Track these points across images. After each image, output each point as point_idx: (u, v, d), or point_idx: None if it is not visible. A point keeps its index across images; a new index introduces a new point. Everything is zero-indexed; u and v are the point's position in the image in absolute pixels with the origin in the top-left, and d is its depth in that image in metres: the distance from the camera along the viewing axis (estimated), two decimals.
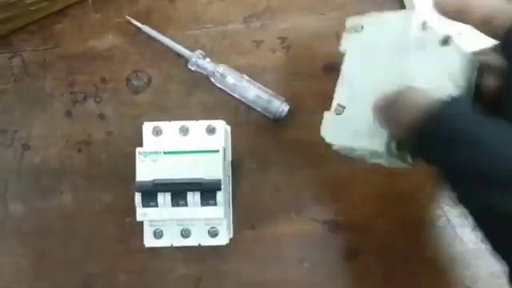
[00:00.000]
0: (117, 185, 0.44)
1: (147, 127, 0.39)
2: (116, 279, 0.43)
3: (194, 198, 0.37)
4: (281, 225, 0.43)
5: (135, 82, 0.45)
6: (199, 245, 0.39)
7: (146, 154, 0.37)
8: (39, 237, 0.44)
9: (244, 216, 0.43)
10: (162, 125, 0.39)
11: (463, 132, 0.23)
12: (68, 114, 0.45)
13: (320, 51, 0.45)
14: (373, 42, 0.30)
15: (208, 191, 0.37)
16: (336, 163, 0.43)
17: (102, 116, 0.45)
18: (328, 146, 0.33)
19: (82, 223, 0.44)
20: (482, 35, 0.43)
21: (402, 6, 0.46)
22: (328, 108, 0.33)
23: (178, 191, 0.37)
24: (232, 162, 0.43)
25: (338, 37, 0.46)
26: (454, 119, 0.24)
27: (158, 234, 0.39)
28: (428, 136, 0.25)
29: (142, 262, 0.43)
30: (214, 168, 0.37)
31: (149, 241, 0.39)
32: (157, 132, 0.39)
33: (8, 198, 0.44)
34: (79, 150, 0.44)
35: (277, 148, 0.44)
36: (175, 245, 0.39)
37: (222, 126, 0.39)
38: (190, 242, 0.39)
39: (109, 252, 0.43)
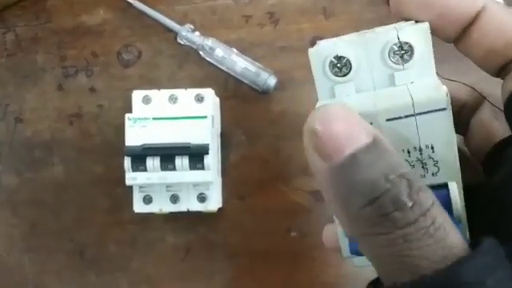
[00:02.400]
0: (107, 156, 0.44)
1: (137, 95, 0.40)
2: (106, 249, 0.44)
3: (182, 161, 0.37)
4: (269, 195, 0.44)
5: (125, 56, 0.46)
6: (188, 210, 0.40)
7: (135, 119, 0.38)
8: (31, 207, 0.44)
9: (233, 187, 0.44)
10: (152, 93, 0.40)
11: None
12: (60, 87, 0.46)
13: (307, 26, 0.46)
14: None
15: (196, 155, 0.37)
16: None
17: (92, 89, 0.45)
18: None
19: (73, 194, 0.44)
20: None
21: None
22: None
23: (167, 155, 0.37)
24: (221, 134, 0.44)
25: (324, 12, 0.47)
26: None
27: (147, 200, 0.40)
28: None
29: (131, 233, 0.44)
30: (203, 133, 0.38)
31: (138, 207, 0.40)
32: (146, 100, 0.40)
33: (0, 169, 0.45)
34: (71, 123, 0.45)
35: (265, 120, 0.45)
36: (164, 210, 0.40)
37: (210, 94, 0.40)
38: (179, 207, 0.40)
39: (99, 222, 0.44)
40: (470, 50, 0.21)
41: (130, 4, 0.46)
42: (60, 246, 0.44)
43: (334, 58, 0.20)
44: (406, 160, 0.19)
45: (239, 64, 0.44)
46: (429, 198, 0.16)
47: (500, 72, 0.21)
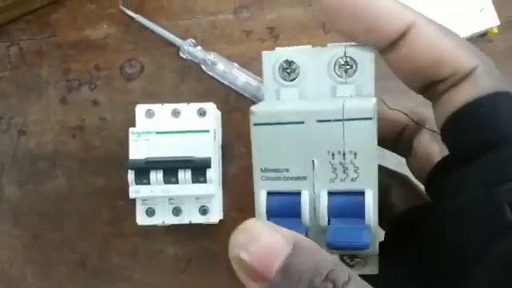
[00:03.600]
0: (110, 169, 0.45)
1: (140, 110, 0.41)
2: (108, 260, 0.44)
3: (185, 175, 0.38)
4: None
5: (128, 70, 0.46)
6: (190, 222, 0.40)
7: (138, 133, 0.39)
8: (34, 219, 0.45)
9: (233, 199, 0.45)
10: (155, 107, 0.41)
11: None
12: (63, 100, 0.46)
13: (307, 41, 0.47)
14: None
15: (198, 169, 0.38)
16: None
17: (95, 102, 0.46)
18: None
19: (75, 206, 0.45)
20: (464, 26, 0.46)
21: None
22: None
23: (170, 169, 0.38)
24: (222, 146, 0.45)
25: (323, 27, 0.48)
26: None
27: (150, 213, 0.40)
28: None
29: (133, 244, 0.45)
30: (205, 147, 0.39)
31: (141, 219, 0.40)
32: (149, 114, 0.41)
33: (3, 181, 0.45)
34: (73, 136, 0.46)
35: None
36: (167, 222, 0.40)
37: (212, 109, 0.41)
38: (181, 219, 0.40)
39: (101, 234, 0.45)
40: (397, 64, 0.21)
41: (132, 19, 0.46)
42: (62, 257, 0.45)
43: (285, 62, 0.22)
44: (330, 162, 0.20)
45: (240, 78, 0.45)
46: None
47: (424, 91, 0.21)
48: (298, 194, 0.20)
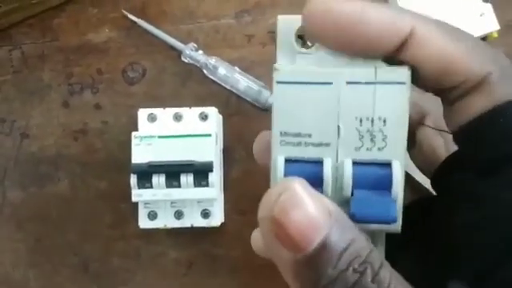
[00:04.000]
0: (112, 172, 0.45)
1: (142, 114, 0.41)
2: (110, 263, 0.45)
3: (187, 179, 0.38)
4: None
5: (130, 74, 0.47)
6: (192, 226, 0.41)
7: (141, 137, 0.39)
8: (36, 222, 0.45)
9: (235, 202, 0.45)
10: (157, 111, 0.41)
11: None
12: (65, 104, 0.46)
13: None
14: None
15: (200, 173, 0.38)
16: None
17: (98, 106, 0.46)
18: None
19: (78, 209, 0.45)
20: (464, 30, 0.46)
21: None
22: None
23: (172, 172, 0.38)
24: (223, 150, 0.45)
25: None
26: None
27: (152, 216, 0.40)
28: None
29: (135, 247, 0.45)
30: (207, 151, 0.39)
31: (143, 222, 0.41)
32: (151, 118, 0.41)
33: (6, 184, 0.46)
34: (76, 139, 0.46)
35: None
36: (168, 226, 0.41)
37: (214, 113, 0.41)
38: (183, 223, 0.41)
39: (103, 237, 0.45)
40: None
41: (134, 23, 0.47)
42: (64, 260, 0.45)
43: (302, 28, 0.20)
44: (356, 129, 0.18)
45: (242, 82, 0.45)
46: (386, 273, 0.16)
47: (434, 93, 0.20)
48: (320, 162, 0.19)
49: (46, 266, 0.45)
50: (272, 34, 0.47)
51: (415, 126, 0.26)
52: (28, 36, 0.47)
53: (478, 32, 0.46)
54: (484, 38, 0.47)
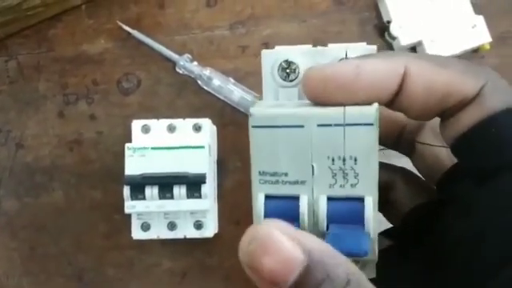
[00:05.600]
0: (106, 182, 0.46)
1: (136, 125, 0.41)
2: (105, 273, 0.45)
3: (180, 190, 0.39)
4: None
5: (125, 84, 0.47)
6: (185, 237, 0.41)
7: (134, 149, 0.39)
8: (31, 232, 0.45)
9: (229, 212, 0.45)
10: (150, 123, 0.41)
11: None
12: (60, 114, 0.47)
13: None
14: None
15: (193, 184, 0.39)
16: None
17: (92, 116, 0.47)
18: None
19: (72, 219, 0.45)
20: (455, 42, 0.46)
21: (379, 13, 0.48)
22: None
23: (165, 184, 0.39)
24: (217, 160, 0.45)
25: (317, 43, 0.48)
26: None
27: (145, 227, 0.41)
28: None
29: (129, 257, 0.45)
30: (200, 163, 0.39)
31: (136, 233, 0.41)
32: (145, 130, 0.41)
33: (1, 194, 0.46)
34: (71, 149, 0.46)
35: None
36: (162, 237, 0.41)
37: (207, 124, 0.41)
38: (176, 234, 0.41)
39: (98, 247, 0.45)
40: (405, 111, 0.21)
41: (129, 34, 0.47)
42: (59, 269, 0.45)
43: (285, 62, 0.22)
44: (329, 168, 0.19)
45: (236, 93, 0.46)
46: None
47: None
48: (297, 198, 0.20)
49: (41, 275, 0.45)
50: (266, 46, 0.48)
51: (413, 132, 0.26)
52: (24, 46, 0.48)
53: (470, 44, 0.46)
54: (476, 50, 0.47)
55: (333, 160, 0.19)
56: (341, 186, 0.19)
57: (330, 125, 0.19)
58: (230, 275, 0.45)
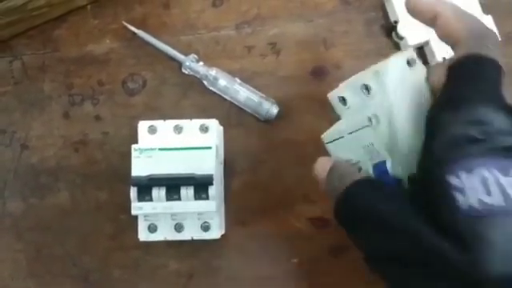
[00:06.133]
0: (112, 183, 0.45)
1: (142, 126, 0.41)
2: (110, 274, 0.45)
3: (187, 192, 0.38)
4: (270, 222, 0.45)
5: (131, 85, 0.47)
6: (192, 238, 0.41)
7: (141, 150, 0.39)
8: (36, 233, 0.45)
9: (235, 213, 0.45)
10: (157, 124, 0.41)
11: (361, 213, 0.27)
12: (66, 115, 0.47)
13: (308, 56, 0.48)
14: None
15: (201, 186, 0.38)
16: None
17: (98, 117, 0.46)
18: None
19: (77, 220, 0.45)
20: None
21: (385, 12, 0.48)
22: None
23: (172, 186, 0.38)
24: (224, 161, 0.45)
25: (324, 43, 0.48)
26: (355, 200, 0.28)
27: (152, 229, 0.40)
28: (339, 215, 0.30)
29: (135, 258, 0.45)
30: (207, 164, 0.39)
31: (143, 235, 0.41)
32: (152, 130, 0.41)
33: (6, 195, 0.45)
34: (76, 150, 0.46)
35: (267, 148, 0.46)
36: (169, 239, 0.40)
37: (214, 125, 0.41)
38: (183, 235, 0.40)
39: (103, 248, 0.45)
40: (436, 32, 0.30)
41: (135, 34, 0.47)
42: (64, 270, 0.45)
43: (339, 97, 0.33)
44: (366, 151, 0.31)
45: (242, 93, 0.45)
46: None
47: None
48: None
49: (46, 276, 0.45)
50: (272, 46, 0.48)
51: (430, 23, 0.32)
52: (28, 47, 0.47)
53: None
54: None
55: (363, 148, 0.31)
56: (370, 158, 0.31)
57: (357, 130, 0.31)
58: (236, 277, 0.44)
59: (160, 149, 0.39)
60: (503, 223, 0.22)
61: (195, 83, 0.47)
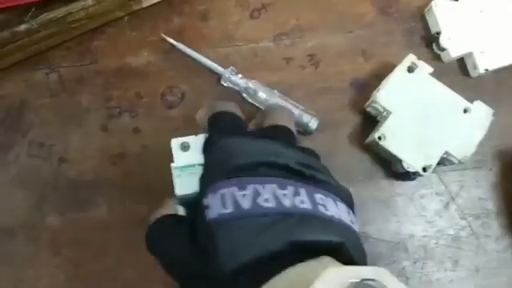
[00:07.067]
0: (151, 197, 0.45)
1: (175, 143, 0.40)
2: None
3: None
4: None
5: (169, 98, 0.46)
6: None
7: (180, 168, 0.38)
8: (74, 248, 0.45)
9: None
10: (189, 139, 0.40)
11: (155, 250, 0.36)
12: (104, 128, 0.46)
13: (347, 68, 0.47)
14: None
15: None
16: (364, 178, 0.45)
17: (136, 130, 0.46)
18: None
19: (116, 234, 0.45)
20: (506, 53, 0.45)
21: (425, 23, 0.48)
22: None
23: None
24: None
25: (364, 54, 0.48)
26: (150, 240, 0.36)
27: None
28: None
29: None
30: None
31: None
32: (184, 147, 0.40)
33: (44, 210, 0.45)
34: (114, 163, 0.46)
35: None
36: None
37: None
38: None
39: (143, 262, 0.44)
40: None
41: (173, 46, 0.46)
42: (103, 286, 0.44)
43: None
44: None
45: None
46: None
47: None
48: None
49: None
50: (311, 57, 0.47)
51: None
52: (65, 59, 0.47)
53: None
54: None
55: None
56: None
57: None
58: None
59: (199, 164, 0.38)
60: (230, 226, 0.27)
61: (233, 96, 0.46)
